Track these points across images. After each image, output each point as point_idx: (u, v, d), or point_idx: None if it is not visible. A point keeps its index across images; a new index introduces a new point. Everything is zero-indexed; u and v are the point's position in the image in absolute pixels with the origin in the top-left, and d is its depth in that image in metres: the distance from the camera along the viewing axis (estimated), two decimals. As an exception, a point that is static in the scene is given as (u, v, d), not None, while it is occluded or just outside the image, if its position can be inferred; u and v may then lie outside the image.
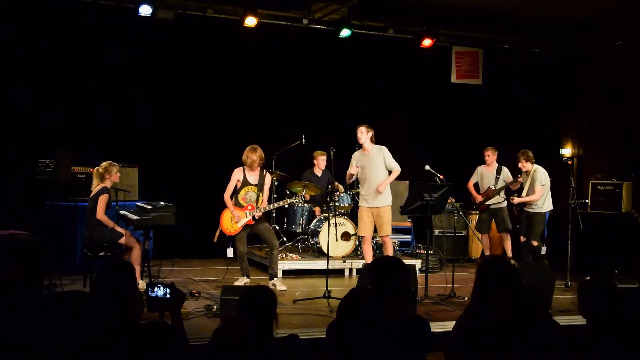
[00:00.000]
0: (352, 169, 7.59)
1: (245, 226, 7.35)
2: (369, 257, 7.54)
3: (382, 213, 7.46)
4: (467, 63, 11.09)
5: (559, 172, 9.36)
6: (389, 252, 7.53)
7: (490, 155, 8.93)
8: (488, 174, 8.99)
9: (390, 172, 7.49)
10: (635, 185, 9.14)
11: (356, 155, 7.64)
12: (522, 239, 8.49)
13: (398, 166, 7.51)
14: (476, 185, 9.14)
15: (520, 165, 8.45)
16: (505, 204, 8.83)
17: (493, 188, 8.84)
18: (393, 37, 10.31)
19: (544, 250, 8.35)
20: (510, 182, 8.75)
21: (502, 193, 8.83)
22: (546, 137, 11.23)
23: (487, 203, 8.89)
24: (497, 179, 8.88)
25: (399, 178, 7.72)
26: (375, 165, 7.50)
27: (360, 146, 7.59)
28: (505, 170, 8.90)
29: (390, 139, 8.06)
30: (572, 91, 11.15)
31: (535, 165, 8.46)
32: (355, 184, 8.88)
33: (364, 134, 7.48)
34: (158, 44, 9.19)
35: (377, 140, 7.58)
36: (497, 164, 8.96)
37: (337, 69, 10.23)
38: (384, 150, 7.53)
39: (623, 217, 8.71)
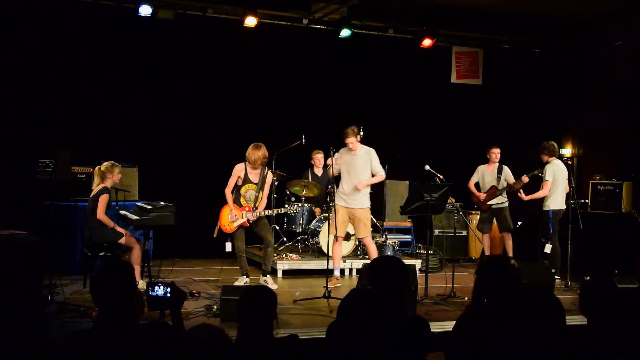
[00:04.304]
0: (334, 163, 7.30)
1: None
2: (337, 260, 7.57)
3: (359, 215, 7.43)
4: (467, 63, 11.09)
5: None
6: (373, 253, 7.50)
7: (498, 154, 8.81)
8: (489, 173, 8.91)
9: (373, 176, 7.42)
10: (635, 185, 9.14)
11: (342, 152, 7.50)
12: (543, 240, 8.30)
13: (383, 172, 7.45)
14: (477, 185, 9.07)
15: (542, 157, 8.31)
16: (507, 203, 8.77)
17: (497, 187, 8.76)
18: (393, 37, 10.30)
19: (547, 248, 8.06)
20: (512, 183, 8.62)
21: (505, 193, 8.77)
22: (546, 137, 11.20)
23: (489, 203, 8.82)
24: (498, 178, 8.81)
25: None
26: (361, 166, 7.40)
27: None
28: (506, 169, 8.82)
29: (390, 139, 8.05)
30: (572, 91, 11.14)
31: (554, 160, 8.29)
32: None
33: (355, 142, 7.32)
34: (158, 44, 9.19)
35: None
36: (498, 163, 8.91)
37: (336, 69, 10.23)
38: (371, 153, 7.44)
39: (623, 217, 8.71)
